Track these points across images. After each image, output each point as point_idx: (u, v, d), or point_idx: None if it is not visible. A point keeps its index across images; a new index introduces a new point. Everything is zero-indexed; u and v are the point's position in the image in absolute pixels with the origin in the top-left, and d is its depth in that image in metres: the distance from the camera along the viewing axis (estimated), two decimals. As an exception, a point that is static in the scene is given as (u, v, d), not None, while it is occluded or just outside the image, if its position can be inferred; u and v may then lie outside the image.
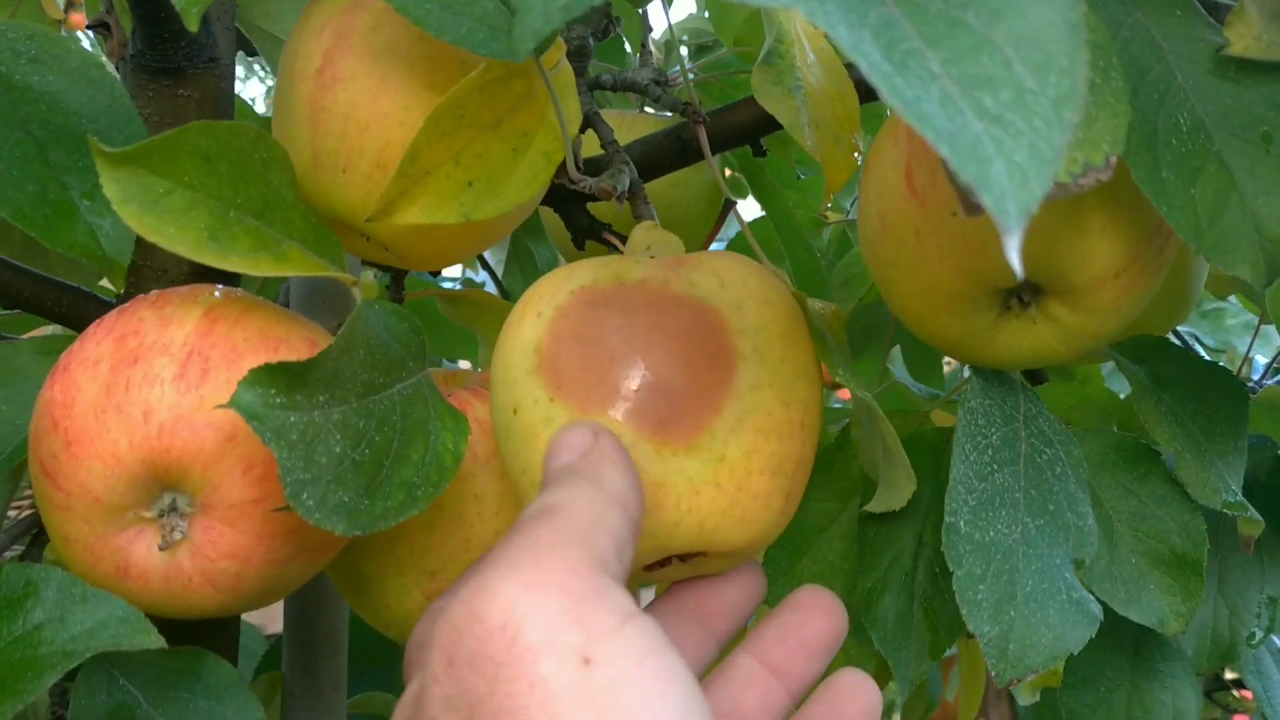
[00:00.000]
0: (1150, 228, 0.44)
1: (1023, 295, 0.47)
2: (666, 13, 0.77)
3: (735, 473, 0.42)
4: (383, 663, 1.00)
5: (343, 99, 0.47)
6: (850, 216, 0.91)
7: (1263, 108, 0.40)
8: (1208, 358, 1.00)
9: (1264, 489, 0.69)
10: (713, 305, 0.43)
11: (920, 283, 0.48)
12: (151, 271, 0.58)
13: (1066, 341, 0.48)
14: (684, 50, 1.09)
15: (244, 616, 0.91)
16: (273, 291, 0.74)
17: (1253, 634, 0.69)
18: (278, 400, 0.41)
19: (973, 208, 0.33)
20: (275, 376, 0.41)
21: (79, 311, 0.60)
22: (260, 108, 0.94)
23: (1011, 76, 0.26)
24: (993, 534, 0.47)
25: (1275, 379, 0.84)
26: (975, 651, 0.75)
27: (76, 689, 0.49)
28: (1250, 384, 0.80)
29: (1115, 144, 0.37)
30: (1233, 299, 1.08)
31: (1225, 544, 0.68)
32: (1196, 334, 1.33)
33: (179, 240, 0.44)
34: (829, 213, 0.90)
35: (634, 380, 0.42)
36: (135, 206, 0.43)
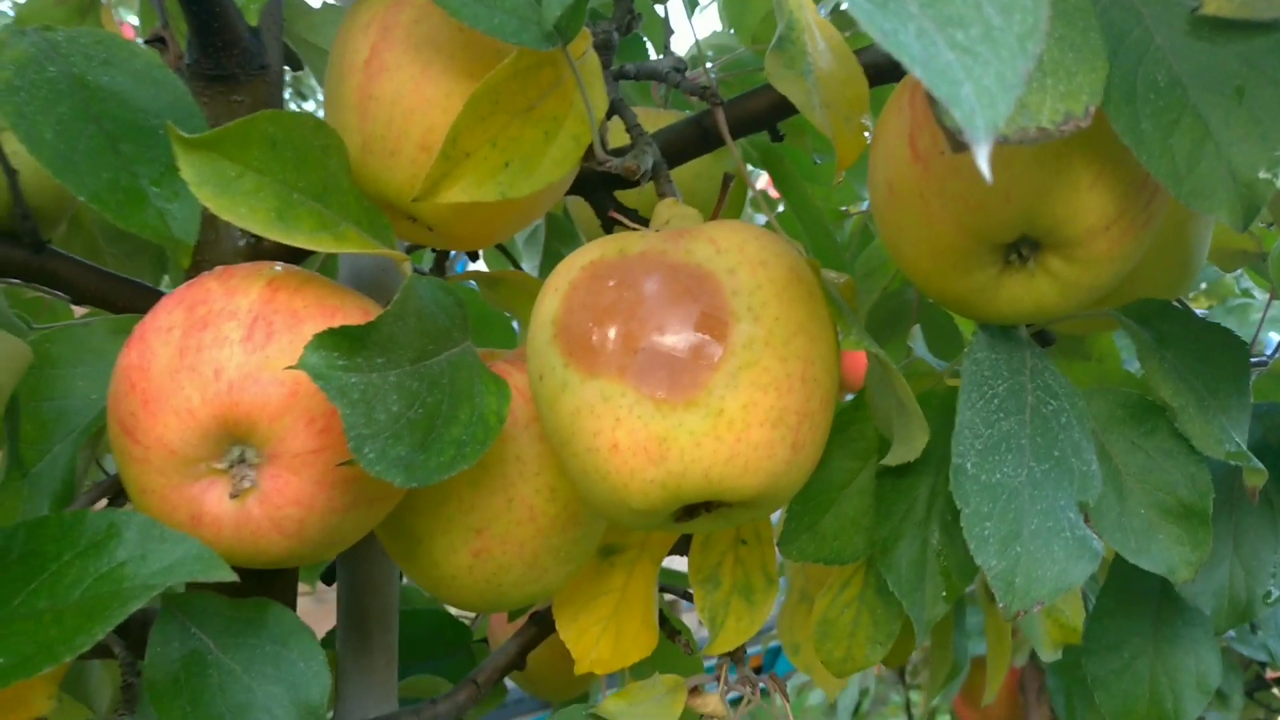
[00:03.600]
0: (1136, 182, 0.48)
1: (1022, 250, 0.51)
2: (690, 20, 0.81)
3: (734, 425, 0.46)
4: (432, 655, 1.03)
5: (389, 88, 0.51)
6: (869, 208, 0.94)
7: (1236, 64, 0.43)
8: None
9: (1276, 453, 0.72)
10: (707, 269, 0.47)
11: (926, 242, 0.51)
12: (210, 266, 0.63)
13: (1065, 294, 0.51)
14: (709, 66, 1.13)
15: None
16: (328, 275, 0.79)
17: (1269, 593, 0.71)
18: (340, 362, 0.45)
19: (959, 145, 0.36)
20: (337, 340, 0.45)
21: (142, 304, 0.65)
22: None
23: (981, 15, 0.30)
24: (999, 476, 0.50)
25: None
26: (1001, 619, 0.78)
27: (152, 638, 0.53)
28: (1263, 358, 0.82)
29: (1094, 96, 0.40)
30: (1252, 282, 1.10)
31: (1240, 506, 0.71)
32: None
33: (250, 219, 0.48)
34: (837, 202, 0.93)
35: (635, 344, 0.46)
36: (210, 188, 0.48)
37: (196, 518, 0.48)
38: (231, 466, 0.48)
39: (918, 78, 0.28)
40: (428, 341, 0.50)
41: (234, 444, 0.48)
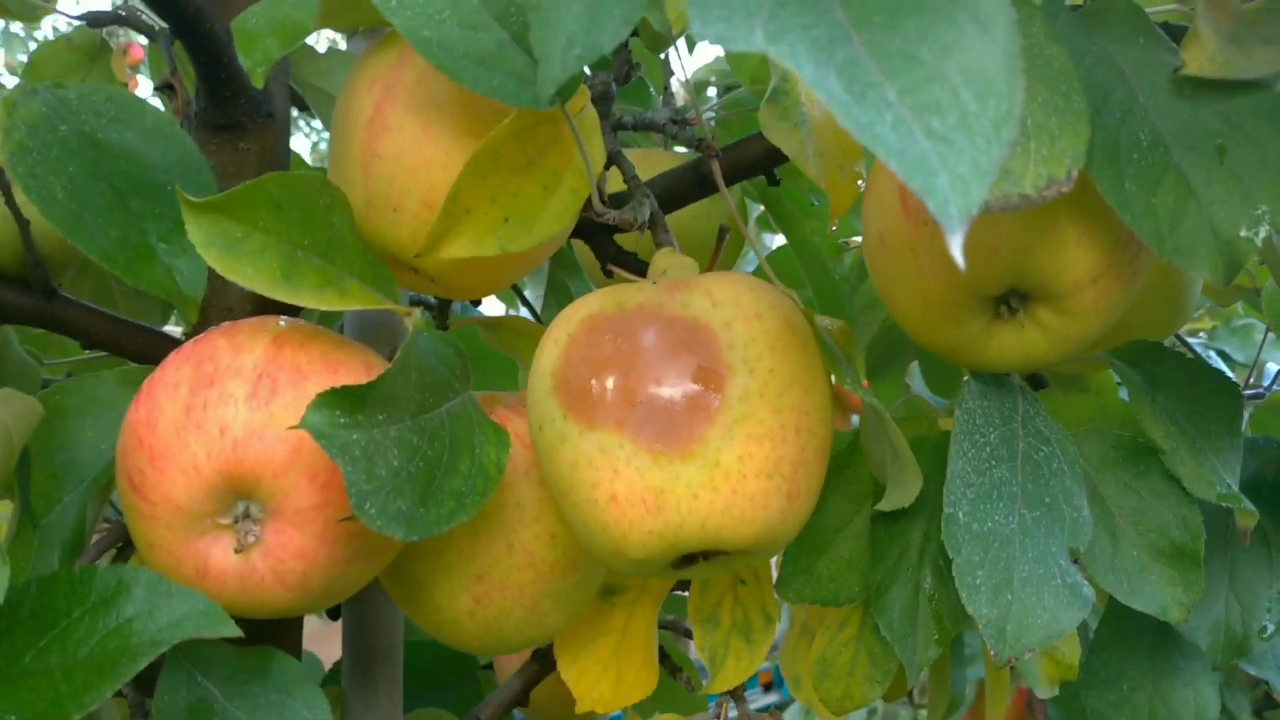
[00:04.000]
0: (1122, 238, 0.49)
1: (1011, 302, 0.52)
2: (680, 60, 0.82)
3: (730, 477, 0.47)
4: (439, 685, 1.04)
5: (392, 146, 0.53)
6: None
7: (1217, 123, 0.44)
8: (1229, 372, 1.02)
9: (1271, 487, 0.72)
10: (704, 323, 0.48)
11: (918, 294, 0.52)
12: (218, 311, 0.64)
13: (1054, 344, 0.52)
14: (712, 90, 1.15)
15: (304, 647, 0.96)
16: (332, 324, 0.80)
17: (1264, 628, 0.71)
18: (342, 420, 0.46)
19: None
20: (340, 399, 0.46)
21: (152, 349, 0.66)
22: (309, 159, 1.00)
23: (958, 102, 0.31)
24: (990, 524, 0.51)
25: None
26: (998, 653, 0.78)
27: (159, 688, 0.54)
28: (1260, 389, 0.83)
29: (1076, 159, 0.41)
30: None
31: (1235, 542, 0.71)
32: (1225, 349, 1.35)
33: (255, 279, 0.49)
34: (838, 235, 0.94)
35: (633, 396, 0.47)
36: (216, 250, 0.49)
37: (202, 571, 0.49)
38: (236, 521, 0.49)
39: (892, 170, 0.28)
40: (428, 395, 0.51)
41: (239, 499, 0.49)
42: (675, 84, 0.81)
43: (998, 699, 0.77)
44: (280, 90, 0.72)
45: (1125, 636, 0.76)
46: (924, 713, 1.99)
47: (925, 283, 0.51)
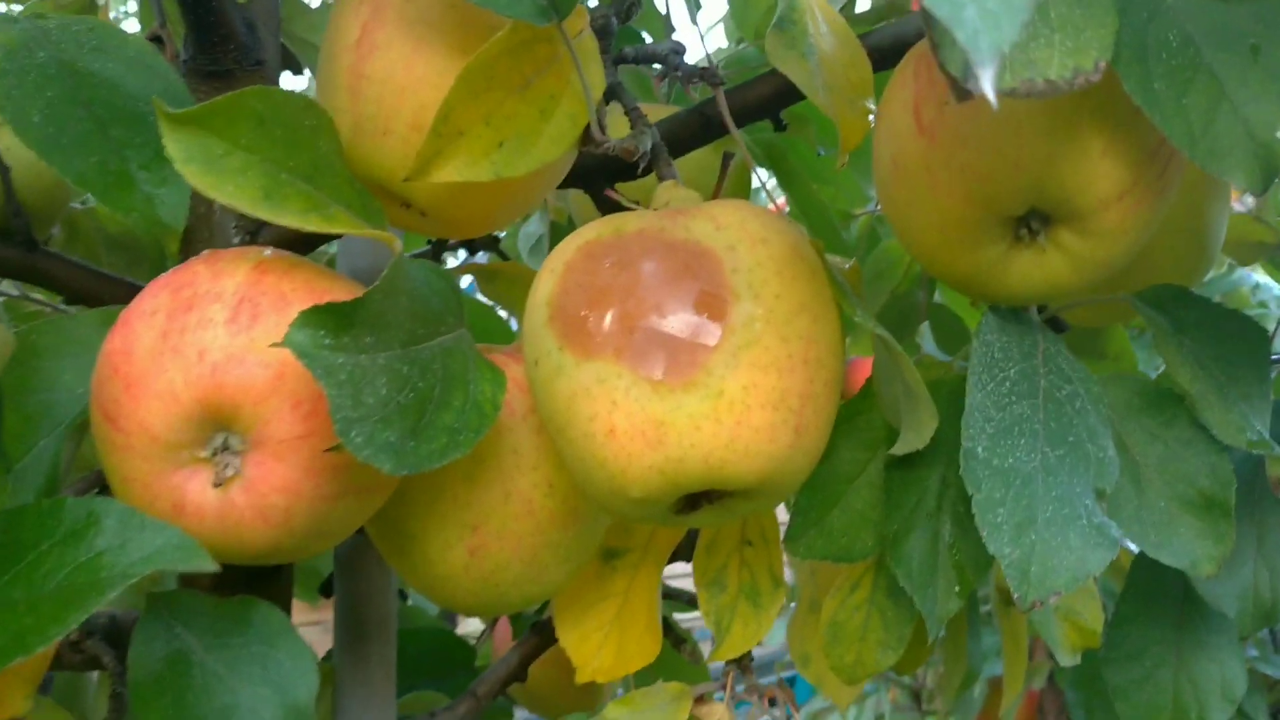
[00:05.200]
0: (1149, 149, 0.46)
1: (1031, 224, 0.49)
2: (694, 20, 0.80)
3: (734, 407, 0.44)
4: (435, 675, 1.01)
5: (380, 66, 0.50)
6: (877, 210, 0.93)
7: (1249, 21, 0.42)
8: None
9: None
10: (706, 247, 0.46)
11: (933, 217, 0.50)
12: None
13: (1077, 270, 0.49)
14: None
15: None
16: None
17: (1295, 594, 0.68)
18: (326, 341, 0.43)
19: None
20: (324, 318, 0.43)
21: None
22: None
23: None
24: (1011, 460, 0.48)
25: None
26: (1017, 624, 0.75)
27: (135, 638, 0.51)
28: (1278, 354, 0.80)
29: (1103, 51, 0.39)
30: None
31: (1263, 503, 0.68)
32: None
33: (236, 197, 0.47)
34: (849, 199, 0.92)
35: (631, 324, 0.45)
36: (196, 165, 0.46)
37: (179, 507, 0.46)
38: (215, 454, 0.47)
39: (923, 4, 0.26)
40: (419, 325, 0.49)
41: (218, 430, 0.47)
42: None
43: (1015, 676, 0.74)
44: (271, 40, 0.70)
45: (1148, 608, 0.73)
46: (931, 719, 1.96)
47: (941, 203, 0.49)
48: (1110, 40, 0.39)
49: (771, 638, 0.70)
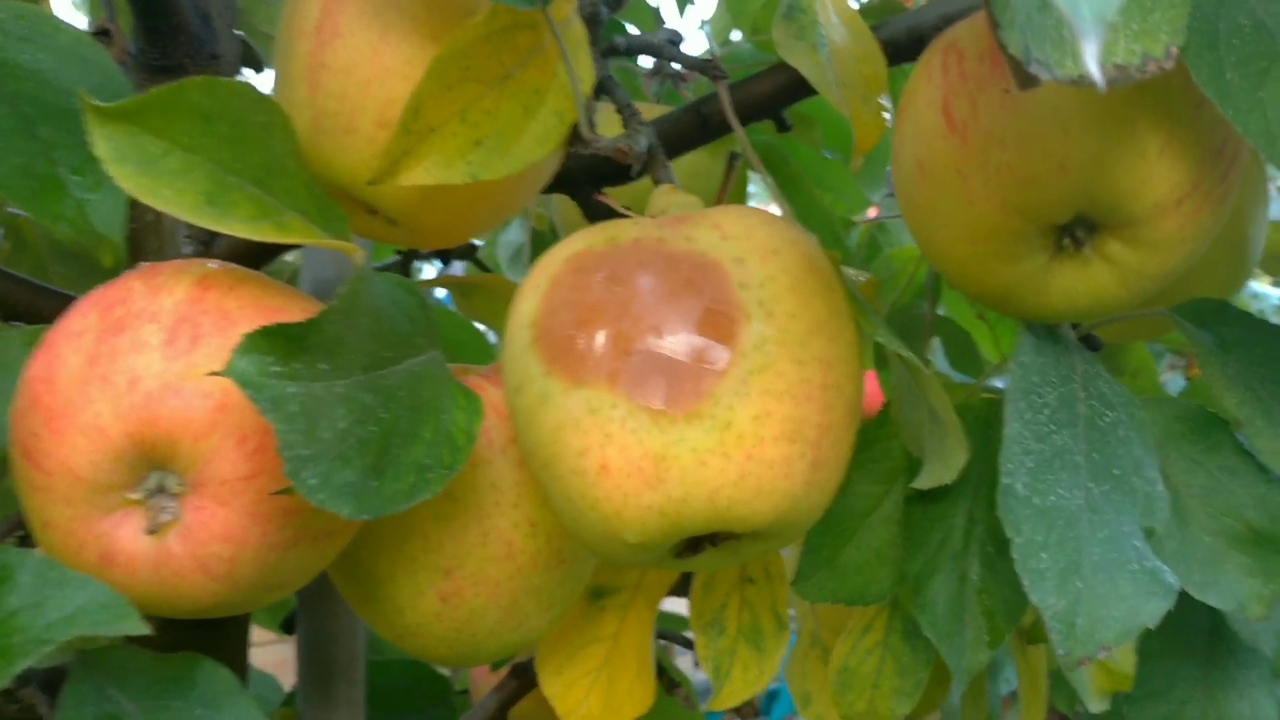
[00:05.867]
0: (1213, 149, 0.41)
1: (1076, 233, 0.44)
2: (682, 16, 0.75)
3: (744, 440, 0.39)
4: (408, 709, 0.96)
5: (342, 55, 0.45)
6: (878, 216, 0.88)
7: (1332, 6, 0.37)
8: None
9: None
10: (712, 259, 0.41)
11: (964, 225, 0.44)
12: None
13: (1126, 283, 0.44)
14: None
15: (260, 665, 0.88)
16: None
17: (1336, 631, 0.64)
18: (275, 368, 0.38)
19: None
20: (272, 342, 0.38)
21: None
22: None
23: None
24: (1053, 498, 0.43)
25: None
26: (1035, 664, 0.70)
27: (63, 700, 0.45)
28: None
29: (1174, 34, 0.34)
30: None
31: (1300, 534, 0.64)
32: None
33: (175, 203, 0.42)
34: (849, 206, 0.87)
35: (627, 346, 0.40)
36: (129, 166, 0.41)
37: (107, 557, 0.41)
38: (149, 497, 0.41)
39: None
40: (384, 347, 0.43)
41: (152, 470, 0.41)
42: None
43: (1032, 716, 0.69)
44: (226, 33, 0.64)
45: (1175, 643, 0.68)
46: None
47: (975, 210, 0.44)
48: (1181, 22, 0.34)
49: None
